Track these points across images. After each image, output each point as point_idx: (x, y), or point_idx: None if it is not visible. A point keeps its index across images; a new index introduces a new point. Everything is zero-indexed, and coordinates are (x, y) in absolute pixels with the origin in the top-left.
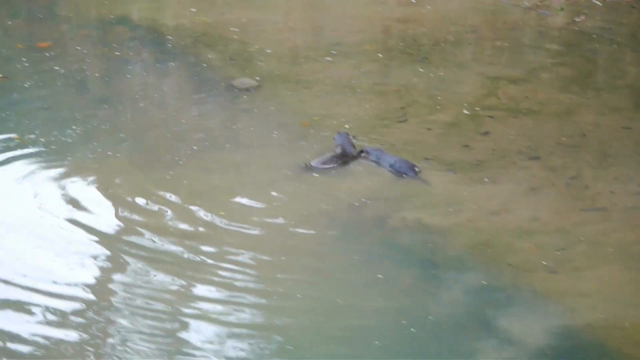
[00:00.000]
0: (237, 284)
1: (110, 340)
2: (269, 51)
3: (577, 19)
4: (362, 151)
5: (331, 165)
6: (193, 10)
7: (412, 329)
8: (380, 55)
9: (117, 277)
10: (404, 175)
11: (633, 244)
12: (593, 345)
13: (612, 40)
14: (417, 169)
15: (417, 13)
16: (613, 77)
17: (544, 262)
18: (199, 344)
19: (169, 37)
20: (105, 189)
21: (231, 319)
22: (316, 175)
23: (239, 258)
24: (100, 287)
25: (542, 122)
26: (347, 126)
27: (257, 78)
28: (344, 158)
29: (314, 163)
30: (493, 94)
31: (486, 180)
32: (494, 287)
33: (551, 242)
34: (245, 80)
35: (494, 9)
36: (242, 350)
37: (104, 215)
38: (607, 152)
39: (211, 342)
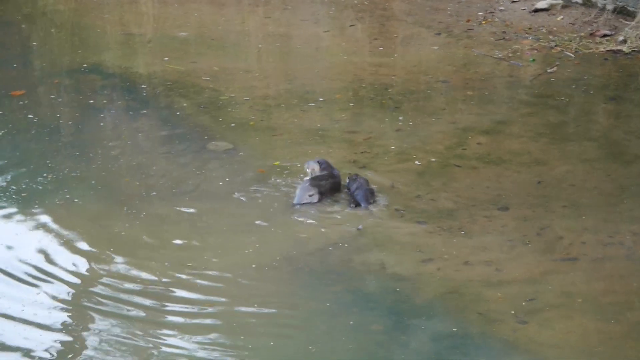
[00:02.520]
0: (206, 335)
1: None
2: (240, 99)
3: (549, 70)
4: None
5: (313, 193)
6: (165, 58)
7: None
8: (351, 104)
9: (78, 327)
10: (356, 206)
11: (603, 294)
12: None
13: (584, 91)
14: (371, 201)
15: (389, 63)
16: (584, 128)
17: (513, 312)
18: None
19: (142, 85)
20: (68, 238)
21: None
22: (291, 216)
23: (208, 310)
24: (63, 336)
25: (512, 172)
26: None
27: (239, 147)
28: (332, 180)
29: (298, 197)
30: (463, 144)
31: (456, 230)
32: (463, 336)
33: (521, 292)
34: (220, 144)
35: (465, 59)
36: None
37: (65, 264)
38: (577, 203)
39: None
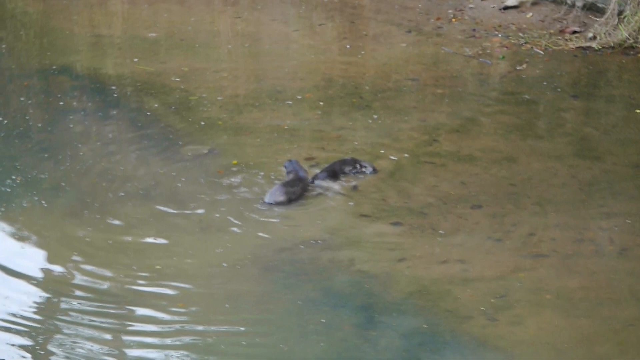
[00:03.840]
0: (177, 337)
1: None
2: (210, 99)
3: (518, 67)
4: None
5: (284, 198)
6: (135, 59)
7: None
8: (321, 102)
9: (42, 329)
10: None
11: (573, 290)
12: None
13: (553, 88)
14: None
15: (359, 61)
16: (554, 124)
17: (482, 309)
18: None
19: (111, 87)
20: (35, 241)
21: None
22: (261, 214)
23: (178, 310)
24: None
25: (483, 170)
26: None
27: (209, 147)
28: (301, 184)
29: (268, 198)
30: (434, 141)
31: (427, 227)
32: (432, 334)
33: (491, 289)
34: (190, 144)
35: (435, 57)
36: None
37: (30, 267)
38: (547, 199)
39: None
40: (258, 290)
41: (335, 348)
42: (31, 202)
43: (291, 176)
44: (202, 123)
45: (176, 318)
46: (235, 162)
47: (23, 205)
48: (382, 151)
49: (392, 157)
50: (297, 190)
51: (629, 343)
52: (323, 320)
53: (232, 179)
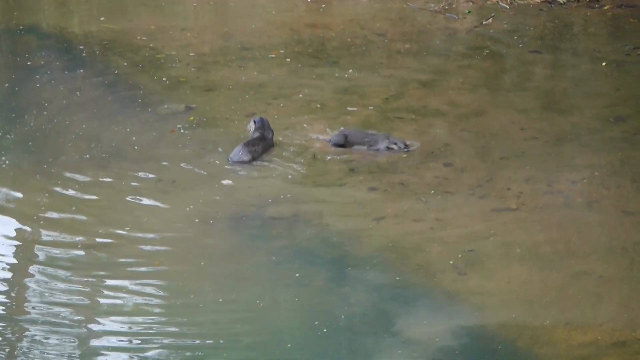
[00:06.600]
0: (153, 292)
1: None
2: (177, 57)
3: (484, 22)
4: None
5: (249, 158)
6: (102, 18)
7: (324, 330)
8: (288, 59)
9: (23, 285)
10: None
11: (542, 244)
12: (503, 345)
13: (520, 42)
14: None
15: (326, 18)
16: (521, 78)
17: (451, 263)
18: (110, 348)
19: (78, 46)
20: (2, 200)
21: (150, 322)
22: (229, 175)
23: (151, 269)
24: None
25: (451, 124)
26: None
27: (189, 105)
28: (263, 143)
29: (233, 157)
30: (402, 96)
31: (397, 184)
32: (403, 288)
33: (460, 244)
34: (172, 106)
35: (401, 13)
36: (161, 349)
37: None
38: (516, 153)
39: (127, 350)
40: (231, 245)
41: (307, 303)
42: None
43: (256, 134)
44: (169, 81)
45: (152, 274)
46: (192, 118)
47: None
48: (351, 106)
49: (360, 112)
50: (259, 149)
51: (598, 294)
52: (297, 275)
53: (203, 137)
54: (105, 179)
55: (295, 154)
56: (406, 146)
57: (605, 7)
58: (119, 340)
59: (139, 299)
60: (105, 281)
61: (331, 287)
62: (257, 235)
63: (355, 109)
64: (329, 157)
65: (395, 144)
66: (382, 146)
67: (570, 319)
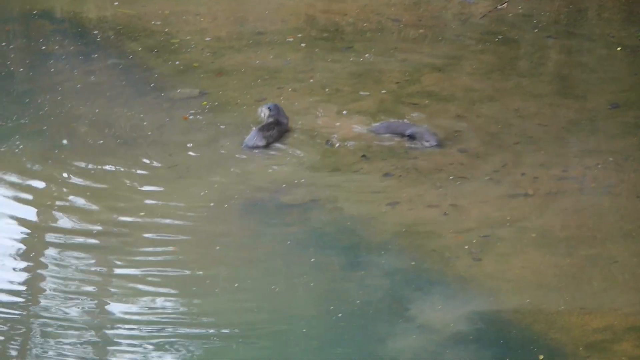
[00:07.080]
0: (168, 278)
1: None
2: (191, 42)
3: (499, 7)
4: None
5: (263, 143)
6: (116, 3)
7: (339, 314)
8: (303, 44)
9: (37, 269)
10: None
11: (557, 229)
12: (518, 330)
13: (535, 27)
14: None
15: (340, 4)
16: (535, 63)
17: (466, 248)
18: (124, 336)
19: (93, 31)
20: (14, 184)
21: (165, 309)
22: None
23: (167, 255)
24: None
25: (465, 110)
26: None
27: (203, 90)
28: (278, 127)
29: (248, 142)
30: (417, 82)
31: (412, 169)
32: (418, 273)
33: (476, 229)
34: (186, 91)
35: None
36: (175, 337)
37: (15, 211)
38: (530, 138)
39: (141, 338)
40: (245, 232)
41: (323, 289)
42: (14, 146)
43: (270, 120)
44: (183, 66)
45: (168, 260)
46: (205, 103)
47: (1, 150)
48: (365, 92)
49: (375, 98)
50: (274, 134)
51: (613, 279)
52: (312, 260)
53: (217, 122)
54: (119, 165)
55: (310, 140)
56: (438, 144)
57: None
58: (133, 328)
59: (154, 286)
60: (119, 267)
61: (346, 272)
62: (272, 220)
63: (368, 93)
64: (348, 144)
65: (427, 140)
66: (429, 142)
67: (585, 304)
